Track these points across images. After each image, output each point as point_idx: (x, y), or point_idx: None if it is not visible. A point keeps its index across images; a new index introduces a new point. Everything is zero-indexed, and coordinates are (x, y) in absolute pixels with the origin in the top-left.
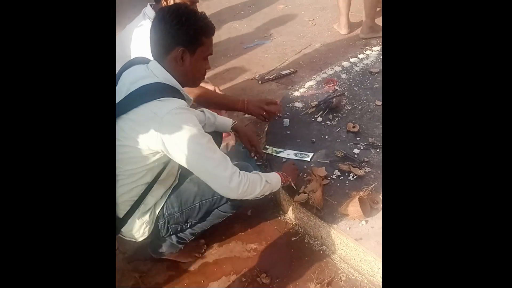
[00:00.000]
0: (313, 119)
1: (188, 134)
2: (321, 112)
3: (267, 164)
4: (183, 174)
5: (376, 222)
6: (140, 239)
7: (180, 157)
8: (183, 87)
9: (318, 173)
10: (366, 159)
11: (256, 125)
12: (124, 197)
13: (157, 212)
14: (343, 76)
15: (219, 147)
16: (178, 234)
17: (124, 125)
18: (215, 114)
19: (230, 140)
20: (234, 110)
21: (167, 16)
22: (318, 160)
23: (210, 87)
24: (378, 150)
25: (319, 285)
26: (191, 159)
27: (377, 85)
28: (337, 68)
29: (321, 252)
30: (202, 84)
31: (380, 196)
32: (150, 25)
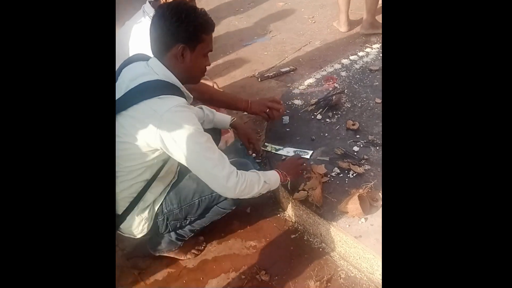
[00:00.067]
0: (312, 117)
1: (187, 133)
2: (321, 109)
3: (266, 161)
4: (182, 171)
5: (375, 219)
6: (139, 236)
7: (179, 155)
8: (183, 84)
9: (318, 170)
10: (365, 157)
11: (255, 123)
12: (123, 193)
13: (156, 208)
14: (343, 73)
15: (217, 144)
16: (177, 231)
17: (124, 122)
18: (214, 111)
19: (229, 138)
20: (237, 110)
21: (166, 13)
22: (318, 158)
23: (208, 83)
24: (377, 147)
25: (318, 282)
26: (189, 158)
27: (377, 83)
28: (337, 66)
29: (321, 249)
30: (201, 81)
31: (380, 194)
32: (149, 22)
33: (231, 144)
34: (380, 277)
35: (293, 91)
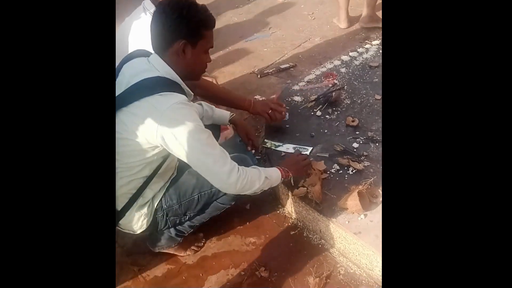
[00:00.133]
0: (312, 113)
1: (187, 130)
2: (321, 106)
3: (266, 158)
4: (182, 166)
5: (375, 216)
6: (139, 232)
7: (180, 152)
8: (184, 80)
9: (317, 167)
10: (365, 153)
11: (255, 119)
12: (122, 189)
13: (155, 204)
14: (343, 70)
15: (217, 140)
16: (177, 227)
17: (124, 118)
18: (213, 107)
19: (228, 134)
20: (239, 108)
21: (167, 9)
22: (317, 154)
23: (208, 79)
24: (377, 144)
25: (317, 278)
26: (190, 155)
27: (377, 79)
28: (337, 62)
29: (320, 246)
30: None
31: (379, 190)
32: (149, 18)
33: (230, 139)
34: (380, 273)
35: (292, 88)
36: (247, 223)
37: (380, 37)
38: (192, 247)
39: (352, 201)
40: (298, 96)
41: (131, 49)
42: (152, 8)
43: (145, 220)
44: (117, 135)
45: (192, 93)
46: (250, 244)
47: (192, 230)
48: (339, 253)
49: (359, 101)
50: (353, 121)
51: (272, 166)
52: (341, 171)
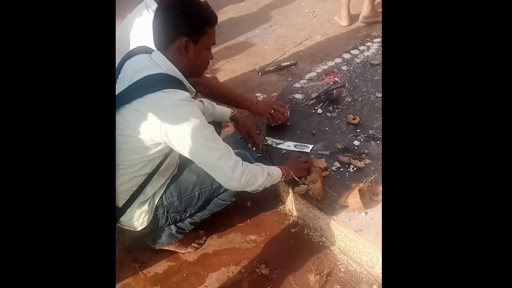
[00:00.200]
0: (313, 111)
1: (191, 126)
2: (321, 103)
3: (266, 155)
4: (182, 163)
5: (375, 213)
6: (139, 228)
7: (183, 149)
8: (186, 77)
9: (318, 164)
10: (366, 151)
11: (256, 117)
12: (123, 186)
13: (156, 201)
14: (344, 67)
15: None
16: (178, 224)
17: (127, 115)
18: (214, 104)
19: (229, 131)
20: (242, 108)
21: (170, 6)
22: (318, 152)
23: (209, 76)
24: (378, 142)
25: (318, 276)
26: (194, 151)
27: (378, 77)
28: (338, 60)
29: (321, 243)
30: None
31: (380, 188)
32: (151, 15)
33: (230, 135)
34: (380, 271)
35: (293, 85)
36: (248, 220)
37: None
38: (193, 244)
39: (353, 198)
40: (299, 94)
41: (133, 46)
42: (154, 5)
43: (146, 217)
44: (119, 132)
45: (194, 90)
46: (251, 241)
47: (192, 227)
48: (339, 251)
49: (360, 99)
50: (354, 119)
51: (273, 164)
52: (342, 169)
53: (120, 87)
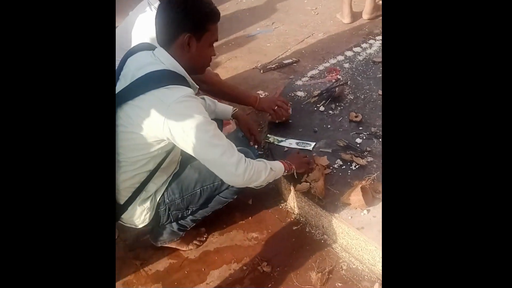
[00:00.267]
0: (315, 108)
1: (195, 122)
2: (324, 101)
3: (268, 153)
4: (184, 160)
5: (378, 211)
6: (141, 226)
7: (187, 145)
8: (189, 74)
9: (320, 162)
10: (368, 149)
11: (257, 114)
12: (125, 183)
13: (158, 199)
14: (346, 65)
15: None
16: (179, 221)
17: (130, 112)
18: (216, 101)
19: (230, 129)
20: (245, 104)
21: (172, 3)
22: (320, 149)
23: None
24: (380, 139)
25: (320, 274)
26: (197, 147)
27: (380, 75)
28: (340, 58)
29: (323, 241)
30: None
31: None
32: (153, 12)
33: (231, 133)
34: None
35: (295, 83)
36: (250, 218)
37: None
38: (195, 242)
39: (355, 196)
40: (301, 91)
41: (135, 43)
42: (156, 3)
43: (148, 214)
44: (122, 129)
45: (197, 87)
46: (252, 239)
47: (194, 225)
48: (341, 249)
49: (362, 97)
50: (356, 117)
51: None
52: (344, 167)
53: (122, 84)
